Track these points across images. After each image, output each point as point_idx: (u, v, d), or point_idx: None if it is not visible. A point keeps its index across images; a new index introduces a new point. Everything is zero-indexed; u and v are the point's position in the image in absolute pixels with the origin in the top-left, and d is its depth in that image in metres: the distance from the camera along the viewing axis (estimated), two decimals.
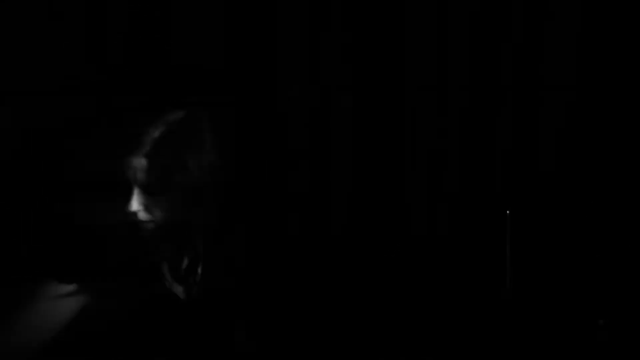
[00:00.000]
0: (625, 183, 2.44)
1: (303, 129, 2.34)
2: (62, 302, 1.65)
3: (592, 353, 1.96)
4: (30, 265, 1.71)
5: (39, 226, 1.78)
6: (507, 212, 1.92)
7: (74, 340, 1.64)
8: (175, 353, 1.74)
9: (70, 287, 1.66)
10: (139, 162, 1.64)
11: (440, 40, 2.43)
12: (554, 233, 2.35)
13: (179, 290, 1.78)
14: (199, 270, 1.82)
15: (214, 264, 1.84)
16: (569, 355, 2.00)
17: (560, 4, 2.41)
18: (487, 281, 2.21)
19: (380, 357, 2.07)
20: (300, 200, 2.36)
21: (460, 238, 2.41)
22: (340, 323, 2.20)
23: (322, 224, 2.42)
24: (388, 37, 2.43)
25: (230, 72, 2.29)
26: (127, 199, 1.64)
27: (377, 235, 2.42)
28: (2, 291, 1.67)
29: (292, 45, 2.35)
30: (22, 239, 1.86)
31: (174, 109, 1.72)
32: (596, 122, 2.44)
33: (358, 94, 2.41)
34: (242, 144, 1.86)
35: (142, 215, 1.66)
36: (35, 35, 2.19)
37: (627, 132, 2.44)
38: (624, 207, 2.44)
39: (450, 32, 2.41)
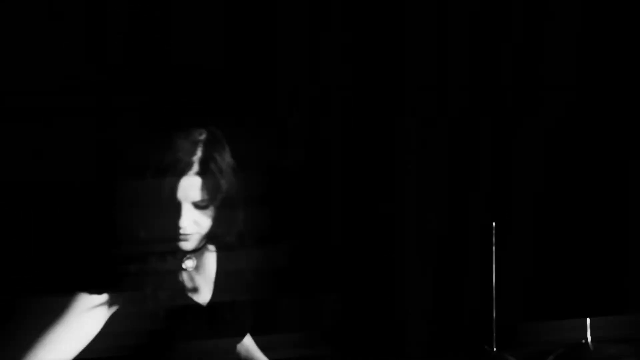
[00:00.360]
0: (624, 183, 2.46)
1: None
2: (91, 313, 1.74)
3: None
4: (64, 278, 1.82)
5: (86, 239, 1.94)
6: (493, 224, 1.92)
7: (102, 350, 1.73)
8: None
9: (101, 298, 1.74)
10: (191, 181, 1.75)
11: (440, 40, 2.45)
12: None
13: (203, 298, 1.90)
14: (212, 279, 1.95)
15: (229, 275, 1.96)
16: None
17: (560, 4, 2.43)
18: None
19: None
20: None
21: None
22: None
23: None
24: (388, 37, 2.45)
25: (230, 72, 2.29)
26: (178, 214, 1.76)
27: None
28: (35, 304, 1.76)
29: (292, 45, 2.36)
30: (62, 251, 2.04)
31: (199, 130, 1.81)
32: (596, 122, 2.45)
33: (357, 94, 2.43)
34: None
35: (191, 229, 1.79)
36: (35, 35, 2.20)
37: (628, 132, 2.46)
38: (624, 207, 2.45)
39: (450, 33, 2.42)
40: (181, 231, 1.78)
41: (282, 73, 2.38)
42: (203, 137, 1.80)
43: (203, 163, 1.78)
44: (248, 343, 2.16)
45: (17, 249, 2.21)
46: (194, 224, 1.78)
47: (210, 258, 1.97)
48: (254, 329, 2.04)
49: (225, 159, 1.82)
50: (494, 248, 1.90)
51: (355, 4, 2.39)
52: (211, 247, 1.92)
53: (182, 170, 1.75)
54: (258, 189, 1.88)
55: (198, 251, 1.87)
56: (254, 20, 2.33)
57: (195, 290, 1.91)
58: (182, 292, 1.88)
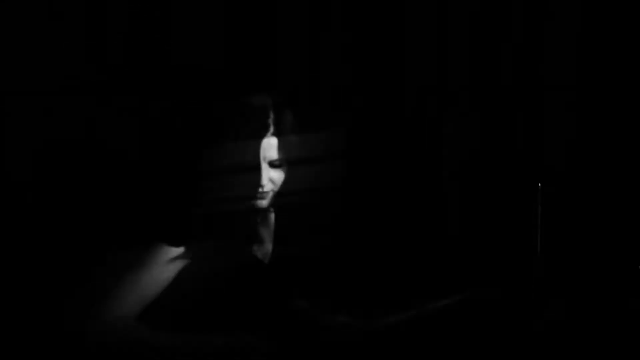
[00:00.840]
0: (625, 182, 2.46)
1: None
2: (168, 264, 1.86)
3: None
4: (143, 230, 1.94)
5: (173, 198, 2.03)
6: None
7: (177, 300, 1.86)
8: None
9: (178, 250, 1.87)
10: (269, 142, 1.87)
11: (440, 40, 2.45)
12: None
13: (264, 253, 2.04)
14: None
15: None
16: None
17: (560, 4, 2.42)
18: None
19: None
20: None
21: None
22: None
23: None
24: (388, 37, 2.45)
25: (230, 72, 2.30)
26: (258, 174, 1.89)
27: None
28: (115, 255, 1.88)
29: (292, 45, 2.36)
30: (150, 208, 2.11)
31: (264, 95, 1.95)
32: (596, 121, 2.45)
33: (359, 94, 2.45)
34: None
35: (268, 187, 1.92)
36: (35, 35, 2.20)
37: (627, 132, 2.46)
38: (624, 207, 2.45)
39: (451, 32, 2.43)
40: (259, 189, 1.91)
41: (282, 73, 2.41)
42: (270, 101, 1.92)
43: (277, 124, 1.90)
44: (302, 303, 2.22)
45: (98, 203, 2.29)
46: (270, 182, 1.92)
47: (271, 216, 2.07)
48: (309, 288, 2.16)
49: (292, 119, 1.95)
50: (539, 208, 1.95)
51: (355, 4, 2.40)
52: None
53: (261, 132, 1.88)
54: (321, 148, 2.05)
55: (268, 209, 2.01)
56: (254, 20, 2.36)
57: (260, 243, 2.02)
58: (249, 246, 2.00)
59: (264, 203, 1.95)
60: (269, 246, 2.07)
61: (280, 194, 1.98)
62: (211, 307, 1.90)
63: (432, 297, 2.08)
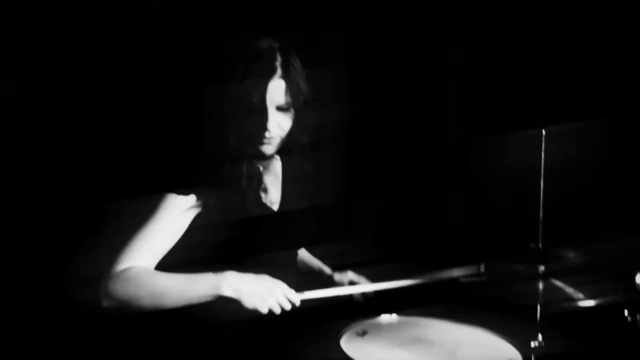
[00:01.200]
0: None
1: None
2: (179, 212, 1.87)
3: None
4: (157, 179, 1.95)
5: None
6: None
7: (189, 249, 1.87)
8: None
9: (188, 199, 1.87)
10: (276, 85, 1.87)
11: None
12: None
13: (273, 200, 2.05)
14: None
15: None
16: None
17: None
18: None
19: None
20: None
21: None
22: None
23: None
24: None
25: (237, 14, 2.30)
26: (265, 117, 1.88)
27: None
28: (127, 206, 1.90)
29: None
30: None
31: (270, 38, 1.93)
32: None
33: None
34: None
35: (275, 132, 1.90)
36: None
37: None
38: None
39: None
40: (266, 134, 1.89)
41: None
42: (277, 44, 1.90)
43: (284, 67, 1.88)
44: (305, 253, 2.29)
45: (109, 153, 2.35)
46: (277, 126, 1.89)
47: (278, 163, 2.09)
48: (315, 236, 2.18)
49: (299, 64, 1.92)
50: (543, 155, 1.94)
51: None
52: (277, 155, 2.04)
53: (268, 74, 1.86)
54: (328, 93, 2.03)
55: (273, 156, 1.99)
56: None
57: (266, 191, 2.02)
58: (257, 192, 1.97)
59: (270, 149, 1.94)
60: (276, 194, 2.07)
61: (288, 142, 1.97)
62: (222, 254, 1.89)
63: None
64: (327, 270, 2.28)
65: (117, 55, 2.34)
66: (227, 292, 1.81)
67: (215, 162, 1.90)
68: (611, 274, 1.93)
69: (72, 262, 1.90)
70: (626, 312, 1.92)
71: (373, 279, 2.17)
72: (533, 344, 1.93)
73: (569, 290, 1.91)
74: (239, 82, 1.85)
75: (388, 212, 2.70)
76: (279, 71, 1.88)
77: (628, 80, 2.63)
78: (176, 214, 1.86)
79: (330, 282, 2.21)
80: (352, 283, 2.20)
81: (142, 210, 1.86)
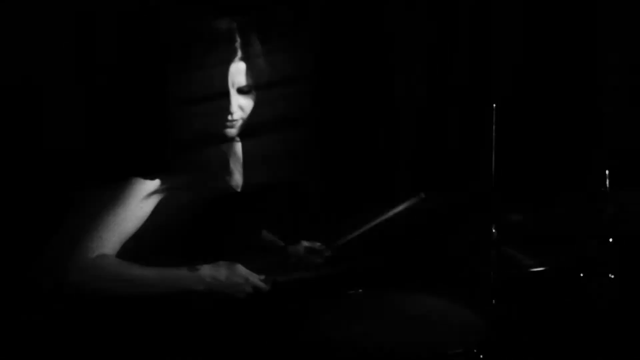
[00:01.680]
0: None
1: None
2: (145, 199, 1.86)
3: None
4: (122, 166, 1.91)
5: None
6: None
7: (155, 233, 1.87)
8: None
9: (153, 184, 1.86)
10: (237, 67, 1.85)
11: None
12: None
13: (236, 182, 2.04)
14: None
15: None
16: None
17: None
18: None
19: None
20: None
21: None
22: None
23: None
24: None
25: None
26: (227, 101, 1.86)
27: None
28: (92, 193, 1.88)
29: None
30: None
31: (227, 19, 1.89)
32: None
33: None
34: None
35: (237, 114, 1.89)
36: None
37: None
38: None
39: None
40: (229, 117, 1.87)
41: None
42: (235, 25, 1.86)
43: (244, 49, 1.84)
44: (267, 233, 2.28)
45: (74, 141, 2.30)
46: (240, 109, 1.87)
47: (239, 145, 2.07)
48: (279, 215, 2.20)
49: (259, 44, 1.88)
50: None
51: None
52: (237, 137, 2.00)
53: (228, 57, 1.83)
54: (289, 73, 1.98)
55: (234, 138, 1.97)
56: None
57: (230, 173, 2.02)
58: (222, 175, 2.00)
59: (233, 132, 1.92)
60: (239, 176, 2.07)
61: (249, 123, 1.94)
62: (187, 238, 1.91)
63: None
64: (280, 243, 2.31)
65: (80, 39, 2.32)
66: (201, 287, 1.86)
67: (180, 146, 1.89)
68: (560, 238, 1.98)
69: (43, 253, 1.87)
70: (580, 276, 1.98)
71: (328, 241, 2.22)
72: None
73: (520, 256, 1.97)
74: (199, 66, 1.83)
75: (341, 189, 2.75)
76: (239, 53, 1.86)
77: None
78: (142, 199, 1.86)
79: (284, 255, 2.25)
80: (309, 250, 2.24)
81: (109, 197, 1.85)
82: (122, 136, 2.16)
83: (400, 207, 2.12)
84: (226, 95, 1.86)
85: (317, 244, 2.24)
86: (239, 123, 1.91)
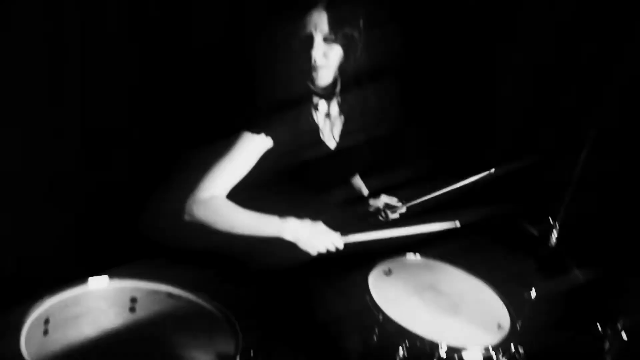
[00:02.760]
0: None
1: None
2: (251, 151, 2.13)
3: None
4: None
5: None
6: None
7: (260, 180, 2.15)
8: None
9: (260, 138, 2.12)
10: (320, 14, 1.96)
11: None
12: None
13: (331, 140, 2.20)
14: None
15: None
16: None
17: None
18: None
19: None
20: None
21: None
22: None
23: None
24: None
25: None
26: (310, 45, 1.97)
27: None
28: (206, 147, 2.16)
29: None
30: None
31: None
32: None
33: None
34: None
35: (320, 61, 2.00)
36: None
37: None
38: None
39: None
40: (312, 63, 2.02)
41: None
42: None
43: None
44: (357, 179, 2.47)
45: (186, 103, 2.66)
46: (324, 55, 1.94)
47: (335, 105, 2.25)
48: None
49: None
50: None
51: None
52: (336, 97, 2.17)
53: (312, 4, 1.92)
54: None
55: (328, 97, 2.15)
56: None
57: (327, 127, 2.24)
58: (317, 133, 2.21)
59: (321, 79, 2.03)
60: (337, 129, 2.23)
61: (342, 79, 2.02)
62: (288, 186, 2.20)
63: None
64: (365, 191, 2.59)
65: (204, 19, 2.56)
66: (288, 236, 2.14)
67: (279, 105, 2.10)
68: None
69: (159, 194, 2.28)
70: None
71: (406, 198, 2.49)
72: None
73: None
74: (287, 16, 1.96)
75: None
76: (323, 1, 1.99)
77: None
78: (250, 150, 2.12)
79: (365, 203, 2.51)
80: (386, 204, 2.49)
81: (223, 146, 2.13)
82: (234, 101, 2.38)
83: (473, 179, 2.27)
84: (310, 41, 1.99)
85: (395, 200, 2.46)
86: (325, 72, 2.02)
